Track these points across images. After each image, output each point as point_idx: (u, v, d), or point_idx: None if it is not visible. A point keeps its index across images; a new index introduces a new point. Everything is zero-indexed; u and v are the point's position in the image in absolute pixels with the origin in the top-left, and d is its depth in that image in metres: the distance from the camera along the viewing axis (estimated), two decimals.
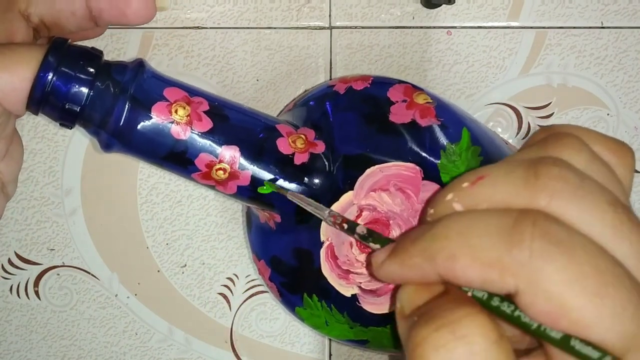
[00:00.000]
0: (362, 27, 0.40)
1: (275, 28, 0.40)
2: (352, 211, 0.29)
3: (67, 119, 0.28)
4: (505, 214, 0.16)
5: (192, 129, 0.28)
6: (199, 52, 0.40)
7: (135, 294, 0.41)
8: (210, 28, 0.40)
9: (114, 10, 0.29)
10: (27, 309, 0.41)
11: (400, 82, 0.32)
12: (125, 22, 0.29)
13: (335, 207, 0.30)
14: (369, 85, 0.32)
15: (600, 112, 0.41)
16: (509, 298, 0.17)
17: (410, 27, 0.40)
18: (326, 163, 0.30)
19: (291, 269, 0.32)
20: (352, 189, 0.29)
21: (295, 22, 0.40)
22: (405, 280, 0.18)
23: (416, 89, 0.32)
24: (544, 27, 0.40)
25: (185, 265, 0.41)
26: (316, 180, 0.30)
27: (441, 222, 0.18)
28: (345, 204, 0.29)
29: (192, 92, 0.30)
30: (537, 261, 0.15)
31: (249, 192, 0.30)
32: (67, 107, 0.27)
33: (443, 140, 0.30)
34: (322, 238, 0.30)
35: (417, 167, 0.29)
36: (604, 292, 0.15)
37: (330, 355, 0.41)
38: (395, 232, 0.29)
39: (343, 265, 0.30)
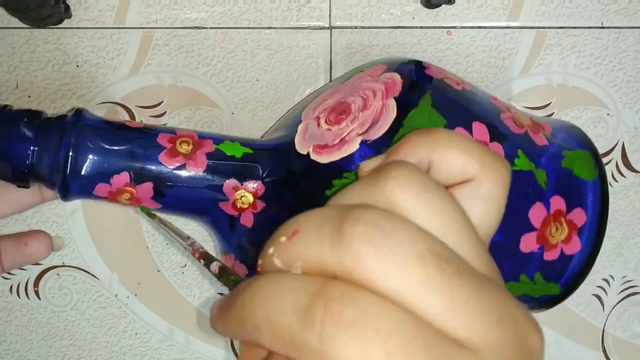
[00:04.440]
0: (362, 27, 0.40)
1: (275, 28, 0.40)
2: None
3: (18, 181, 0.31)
4: (304, 290, 0.16)
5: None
6: (199, 52, 0.40)
7: (135, 294, 0.41)
8: (210, 28, 0.40)
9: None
10: (27, 309, 0.41)
11: None
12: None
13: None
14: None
15: (600, 112, 0.41)
16: None
17: (410, 27, 0.40)
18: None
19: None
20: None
21: (295, 22, 0.40)
22: (233, 338, 0.18)
23: None
24: (544, 27, 0.40)
25: (185, 265, 0.41)
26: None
27: (251, 286, 0.17)
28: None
29: (139, 177, 0.31)
30: (326, 347, 0.15)
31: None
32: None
33: None
34: None
35: None
36: None
37: None
38: (355, 106, 0.31)
39: None
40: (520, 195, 0.29)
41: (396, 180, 0.17)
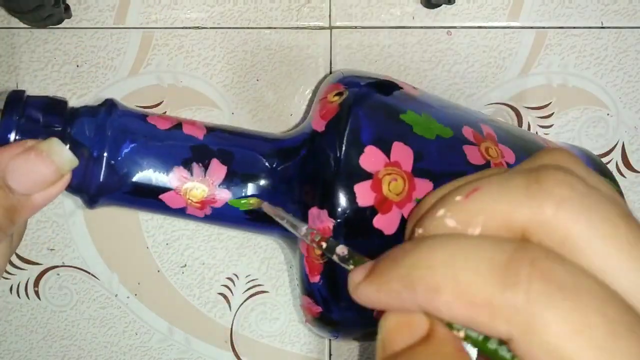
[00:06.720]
0: (362, 27, 0.40)
1: (275, 28, 0.40)
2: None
3: None
4: (500, 247, 0.14)
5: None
6: (199, 52, 0.40)
7: (135, 294, 0.41)
8: (210, 28, 0.40)
9: None
10: (27, 309, 0.41)
11: None
12: None
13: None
14: None
15: (600, 112, 0.41)
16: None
17: (410, 27, 0.40)
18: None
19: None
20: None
21: (295, 22, 0.40)
22: (383, 307, 0.16)
23: None
24: (544, 27, 0.40)
25: (185, 265, 0.41)
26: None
27: (425, 244, 0.15)
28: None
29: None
30: (535, 307, 0.13)
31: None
32: None
33: None
34: None
35: None
36: (614, 346, 0.13)
37: (330, 355, 0.41)
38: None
39: None
40: None
41: (565, 157, 0.16)
